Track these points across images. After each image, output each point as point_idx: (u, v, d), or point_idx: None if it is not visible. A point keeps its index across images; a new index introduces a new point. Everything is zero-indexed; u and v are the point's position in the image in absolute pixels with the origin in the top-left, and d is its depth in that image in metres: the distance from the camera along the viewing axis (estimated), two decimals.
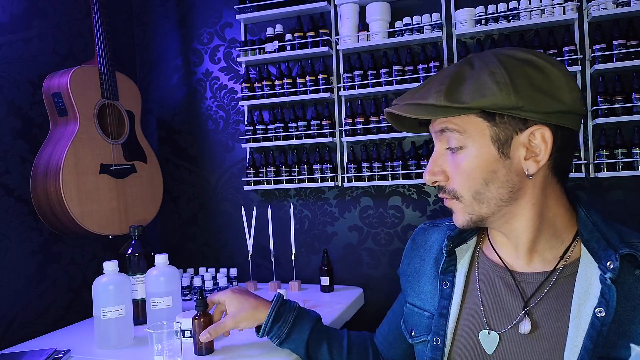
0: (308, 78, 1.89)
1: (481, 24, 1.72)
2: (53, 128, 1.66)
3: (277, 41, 1.94)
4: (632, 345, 0.49)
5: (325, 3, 1.88)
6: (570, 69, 1.61)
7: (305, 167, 1.91)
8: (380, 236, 1.92)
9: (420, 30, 1.78)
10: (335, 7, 1.91)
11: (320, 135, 1.89)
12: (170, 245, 2.21)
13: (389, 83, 1.79)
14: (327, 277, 1.78)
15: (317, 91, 1.89)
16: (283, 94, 1.93)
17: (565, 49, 1.62)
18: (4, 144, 1.58)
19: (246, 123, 2.01)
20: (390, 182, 1.80)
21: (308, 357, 1.00)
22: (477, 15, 1.71)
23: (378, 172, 1.81)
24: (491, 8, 1.71)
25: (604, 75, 1.63)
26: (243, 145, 2.00)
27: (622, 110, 1.58)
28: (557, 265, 0.71)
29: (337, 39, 1.89)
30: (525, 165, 0.68)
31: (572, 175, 1.64)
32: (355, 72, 1.83)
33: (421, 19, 1.78)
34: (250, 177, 1.97)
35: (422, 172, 1.75)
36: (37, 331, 1.60)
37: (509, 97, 0.64)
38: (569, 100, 0.67)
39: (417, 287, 0.86)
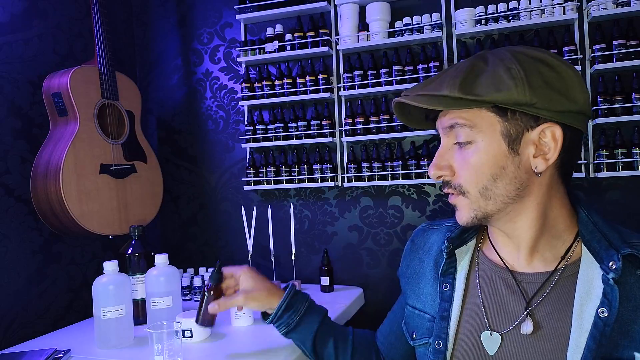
0: (308, 78, 1.89)
1: (481, 24, 1.72)
2: (53, 128, 1.66)
3: (277, 41, 1.94)
4: (635, 354, 0.49)
5: (325, 3, 1.88)
6: None
7: (305, 167, 1.91)
8: (380, 236, 1.92)
9: (420, 30, 1.78)
10: (335, 7, 1.91)
11: (320, 135, 1.89)
12: (170, 245, 2.21)
13: (389, 83, 1.79)
14: (327, 277, 1.78)
15: (317, 91, 1.89)
16: (283, 94, 1.93)
17: (565, 49, 1.62)
18: (4, 144, 1.58)
19: (246, 123, 2.01)
20: (390, 182, 1.80)
21: (314, 350, 0.97)
22: (477, 15, 1.71)
23: (378, 172, 1.81)
24: (491, 8, 1.71)
25: (603, 75, 1.63)
26: (243, 145, 2.00)
27: (622, 110, 1.58)
28: (558, 265, 0.71)
29: (337, 39, 1.89)
30: (534, 163, 0.68)
31: (572, 175, 1.64)
32: (355, 72, 1.83)
33: (421, 19, 1.78)
34: (250, 177, 1.97)
35: (422, 172, 1.76)
36: (37, 331, 1.60)
37: (523, 93, 0.64)
38: (581, 101, 0.67)
39: (417, 289, 0.86)
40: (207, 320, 1.06)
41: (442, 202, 1.85)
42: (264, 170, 1.96)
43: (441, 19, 1.79)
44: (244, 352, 1.18)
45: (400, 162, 1.79)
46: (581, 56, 1.64)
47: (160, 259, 1.33)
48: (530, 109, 0.65)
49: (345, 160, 1.90)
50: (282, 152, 1.99)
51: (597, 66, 1.58)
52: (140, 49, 2.26)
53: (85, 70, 1.65)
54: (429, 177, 1.77)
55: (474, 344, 0.74)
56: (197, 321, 1.06)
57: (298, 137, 1.92)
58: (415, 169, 1.78)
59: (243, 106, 2.06)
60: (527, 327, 0.69)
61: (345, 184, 1.87)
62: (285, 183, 1.94)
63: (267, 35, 1.97)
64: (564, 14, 1.64)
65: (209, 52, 2.15)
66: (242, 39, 2.07)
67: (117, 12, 2.15)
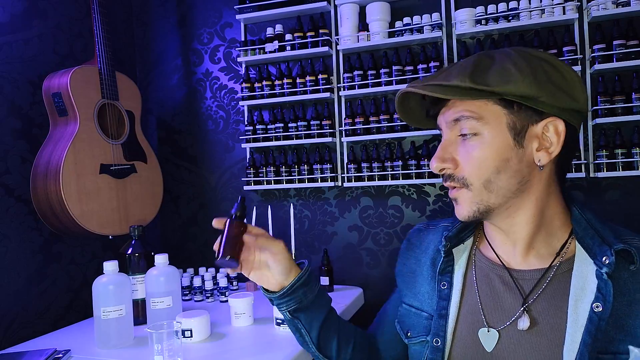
0: (308, 78, 1.89)
1: (481, 24, 1.72)
2: (53, 128, 1.66)
3: (277, 41, 1.94)
4: (630, 347, 0.50)
5: (325, 3, 1.88)
6: None
7: (305, 167, 1.91)
8: (380, 236, 1.92)
9: (420, 30, 1.78)
10: (335, 7, 1.91)
11: (320, 135, 1.89)
12: (170, 245, 2.21)
13: (389, 83, 1.79)
14: (327, 277, 1.78)
15: (317, 91, 1.89)
16: (283, 94, 1.93)
17: (565, 49, 1.62)
18: (4, 144, 1.58)
19: (246, 123, 2.01)
20: (390, 182, 1.80)
21: (319, 335, 0.86)
22: (477, 15, 1.71)
23: (378, 172, 1.81)
24: (491, 8, 1.71)
25: (603, 75, 1.63)
26: (243, 145, 2.00)
27: (622, 110, 1.58)
28: (553, 262, 0.73)
29: (337, 39, 1.89)
30: (537, 156, 0.69)
31: (572, 175, 1.64)
32: (355, 72, 1.83)
33: (421, 19, 1.78)
34: (250, 177, 1.97)
35: (422, 172, 1.76)
36: (37, 331, 1.60)
37: (530, 87, 0.66)
38: (582, 100, 0.70)
39: (414, 287, 0.86)
40: (229, 253, 0.78)
41: (442, 202, 1.85)
42: (264, 170, 1.96)
43: (441, 19, 1.79)
44: (244, 352, 1.18)
45: (400, 162, 1.79)
46: (581, 56, 1.64)
47: (160, 259, 1.33)
48: (536, 103, 0.67)
49: (345, 160, 1.90)
50: (282, 152, 1.99)
51: (597, 66, 1.58)
52: (140, 49, 2.26)
53: (85, 70, 1.65)
54: (429, 177, 1.77)
55: (471, 341, 0.75)
56: (217, 257, 0.78)
57: (298, 137, 1.92)
58: (415, 169, 1.78)
59: (243, 106, 2.06)
60: (524, 323, 0.70)
61: (345, 184, 1.87)
62: (285, 183, 1.94)
63: (267, 35, 1.97)
64: (564, 14, 1.64)
65: (209, 52, 2.15)
66: (242, 39, 2.07)
67: (117, 12, 2.15)
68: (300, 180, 1.92)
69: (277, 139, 1.94)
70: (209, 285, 1.71)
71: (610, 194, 1.67)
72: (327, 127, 1.88)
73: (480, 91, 0.67)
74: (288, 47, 1.92)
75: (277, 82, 1.94)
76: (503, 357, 0.72)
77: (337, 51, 1.92)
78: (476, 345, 0.74)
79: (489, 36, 1.77)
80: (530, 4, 1.66)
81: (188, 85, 2.19)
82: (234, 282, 1.84)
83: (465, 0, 1.79)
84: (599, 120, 1.59)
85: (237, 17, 2.00)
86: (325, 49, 1.87)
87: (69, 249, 1.77)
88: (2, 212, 1.55)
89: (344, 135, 1.89)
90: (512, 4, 1.67)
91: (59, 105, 1.62)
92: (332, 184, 1.89)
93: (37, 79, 1.69)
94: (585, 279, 0.68)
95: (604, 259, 0.66)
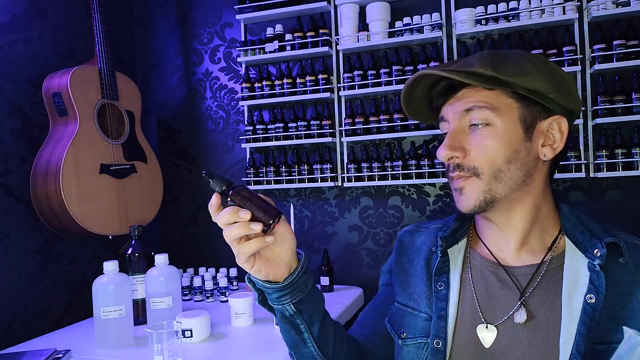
0: (308, 78, 1.89)
1: (481, 24, 1.72)
2: (53, 128, 1.66)
3: (277, 41, 1.94)
4: (624, 327, 0.50)
5: (325, 3, 1.88)
6: (570, 69, 1.62)
7: (305, 167, 1.91)
8: (380, 236, 1.92)
9: (420, 30, 1.78)
10: (335, 7, 1.91)
11: (320, 135, 1.89)
12: (170, 245, 2.21)
13: (389, 83, 1.79)
14: (327, 277, 1.78)
15: (317, 91, 1.89)
16: (283, 94, 1.93)
17: (565, 49, 1.62)
18: (4, 144, 1.58)
19: (246, 123, 2.01)
20: (390, 182, 1.80)
21: (321, 328, 0.79)
22: (477, 15, 1.71)
23: (378, 172, 1.81)
24: (491, 8, 1.71)
25: (603, 75, 1.63)
26: (243, 145, 2.00)
27: (622, 110, 1.58)
28: (544, 257, 0.74)
29: (337, 39, 1.89)
30: (542, 151, 0.72)
31: (572, 175, 1.64)
32: (355, 72, 1.83)
33: (421, 19, 1.78)
34: (250, 177, 1.97)
35: (422, 172, 1.76)
36: (37, 331, 1.60)
37: (544, 83, 0.69)
38: (579, 103, 0.74)
39: (408, 287, 0.85)
40: (271, 217, 0.71)
41: (442, 202, 1.85)
42: (264, 170, 1.96)
43: (441, 19, 1.79)
44: (244, 352, 1.18)
45: (400, 162, 1.79)
46: (581, 56, 1.64)
47: (160, 259, 1.33)
48: (545, 100, 0.69)
49: (345, 160, 1.90)
50: (282, 152, 1.99)
51: (597, 66, 1.58)
52: (140, 49, 2.26)
53: (85, 70, 1.65)
54: (429, 177, 1.77)
55: (470, 339, 0.75)
56: (270, 226, 0.72)
57: (298, 137, 1.92)
58: (415, 169, 1.78)
59: (243, 106, 2.06)
60: (521, 317, 0.71)
61: (345, 184, 1.87)
62: (285, 183, 1.94)
63: (267, 35, 1.97)
64: (564, 14, 1.64)
65: (209, 52, 2.15)
66: (242, 39, 2.07)
67: (117, 12, 2.16)
68: (300, 180, 1.92)
69: (277, 139, 1.94)
70: (209, 285, 1.71)
71: (611, 194, 1.67)
72: (327, 127, 1.88)
73: (500, 81, 0.68)
74: (288, 47, 1.92)
75: (277, 82, 1.94)
76: (502, 353, 0.72)
77: (337, 51, 1.92)
78: (475, 343, 0.75)
79: (489, 36, 1.77)
80: (530, 4, 1.66)
81: (188, 85, 2.19)
82: (234, 282, 1.84)
83: (465, 0, 1.79)
84: (599, 120, 1.59)
85: (237, 17, 2.00)
86: (325, 49, 1.87)
87: (69, 249, 1.77)
88: (2, 212, 1.55)
89: (344, 135, 1.89)
90: (512, 4, 1.67)
91: (59, 105, 1.62)
92: (332, 184, 1.89)
93: (37, 79, 1.69)
94: (577, 273, 0.70)
95: (595, 251, 0.68)
